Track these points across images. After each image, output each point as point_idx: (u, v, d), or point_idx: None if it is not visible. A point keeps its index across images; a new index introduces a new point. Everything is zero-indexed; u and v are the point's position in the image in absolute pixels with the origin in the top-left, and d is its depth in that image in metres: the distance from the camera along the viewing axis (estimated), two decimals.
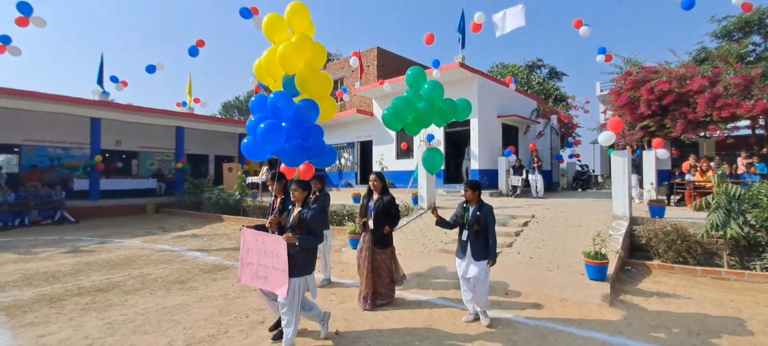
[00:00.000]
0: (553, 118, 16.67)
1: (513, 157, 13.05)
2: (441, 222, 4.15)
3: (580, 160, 18.25)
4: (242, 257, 3.44)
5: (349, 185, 17.89)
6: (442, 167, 10.22)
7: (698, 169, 9.72)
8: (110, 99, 15.63)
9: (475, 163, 13.47)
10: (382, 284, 4.61)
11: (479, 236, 3.88)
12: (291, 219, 3.45)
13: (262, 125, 3.37)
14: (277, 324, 3.73)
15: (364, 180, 18.08)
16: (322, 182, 5.59)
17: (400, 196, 10.09)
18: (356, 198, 11.61)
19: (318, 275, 4.82)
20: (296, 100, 3.72)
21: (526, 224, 7.59)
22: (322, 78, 3.88)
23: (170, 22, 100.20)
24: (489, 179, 13.61)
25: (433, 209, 4.06)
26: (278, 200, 4.16)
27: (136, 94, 77.46)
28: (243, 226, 3.21)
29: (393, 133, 16.31)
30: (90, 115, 14.37)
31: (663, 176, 12.43)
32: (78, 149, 16.58)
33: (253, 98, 3.82)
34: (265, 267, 3.28)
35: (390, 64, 18.19)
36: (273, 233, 3.43)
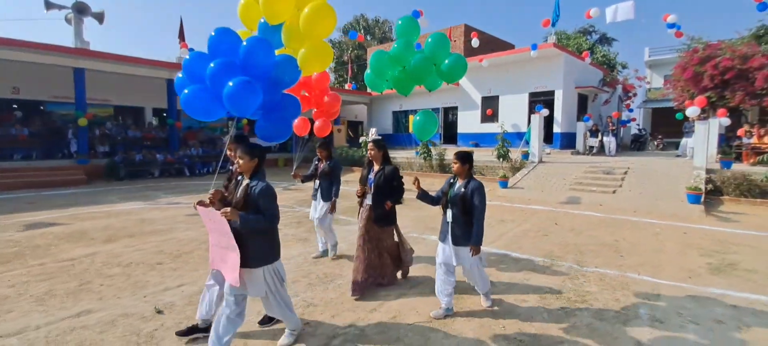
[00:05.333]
0: (619, 87, 19.07)
1: (591, 122, 15.78)
2: (423, 195, 3.58)
3: (638, 124, 20.68)
4: (209, 239, 2.82)
5: (434, 145, 20.94)
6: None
7: (754, 134, 12.33)
8: None
9: (557, 127, 16.28)
10: (381, 267, 4.04)
11: (463, 218, 3.29)
12: (238, 194, 2.72)
13: (230, 83, 2.56)
14: (191, 330, 3.11)
15: (447, 140, 21.11)
16: (328, 150, 5.01)
17: (512, 155, 13.08)
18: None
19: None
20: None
21: (625, 173, 10.57)
22: (322, 19, 2.95)
23: None
24: (567, 140, 16.45)
25: (415, 180, 3.49)
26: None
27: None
28: (197, 202, 2.71)
29: (478, 101, 19.11)
30: None
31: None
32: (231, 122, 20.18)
33: (211, 33, 2.80)
34: (223, 249, 2.68)
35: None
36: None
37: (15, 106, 14.59)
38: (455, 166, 3.41)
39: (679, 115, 14.49)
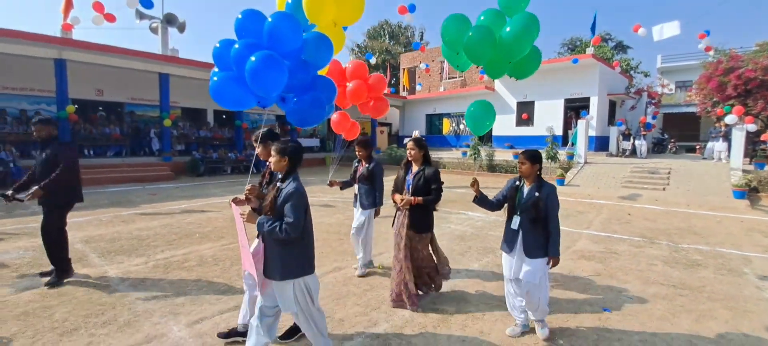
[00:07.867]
0: (644, 94, 20.53)
1: (623, 126, 17.17)
2: (481, 200, 3.29)
3: (662, 130, 22.12)
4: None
5: (468, 146, 22.34)
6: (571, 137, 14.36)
7: None
8: None
9: (592, 130, 17.64)
10: (419, 277, 3.82)
11: (536, 226, 2.99)
12: (269, 196, 2.51)
13: (252, 58, 2.37)
14: (230, 333, 3.00)
15: (482, 142, 22.46)
16: (368, 149, 4.53)
17: (559, 156, 14.44)
18: (516, 155, 16.06)
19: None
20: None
21: (669, 173, 11.94)
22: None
23: None
24: (600, 143, 17.86)
25: (474, 182, 3.23)
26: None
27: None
28: (232, 198, 2.70)
29: (514, 105, 20.47)
30: None
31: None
32: (265, 115, 21.45)
33: (238, 16, 2.61)
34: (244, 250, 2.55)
35: None
36: (254, 207, 2.65)
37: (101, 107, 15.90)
38: (524, 167, 3.09)
39: (727, 108, 15.57)
